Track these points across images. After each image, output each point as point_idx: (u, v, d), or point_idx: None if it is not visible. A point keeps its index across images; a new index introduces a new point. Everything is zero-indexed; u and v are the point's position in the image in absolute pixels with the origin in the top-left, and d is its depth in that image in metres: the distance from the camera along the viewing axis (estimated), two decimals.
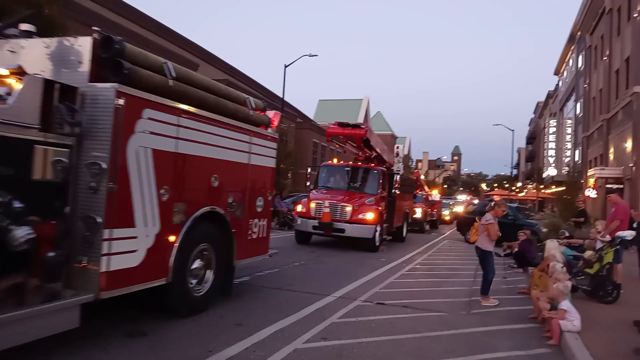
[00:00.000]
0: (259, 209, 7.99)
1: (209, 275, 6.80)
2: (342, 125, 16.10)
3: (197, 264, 6.57)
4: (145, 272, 5.44)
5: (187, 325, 6.06)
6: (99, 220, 4.82)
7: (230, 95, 7.28)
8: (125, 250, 5.15)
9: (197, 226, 6.31)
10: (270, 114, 8.41)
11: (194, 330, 5.92)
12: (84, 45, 5.10)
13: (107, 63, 5.12)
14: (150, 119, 5.43)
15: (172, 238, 5.87)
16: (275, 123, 8.50)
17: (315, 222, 14.98)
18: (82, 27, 22.79)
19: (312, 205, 15.24)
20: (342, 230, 14.79)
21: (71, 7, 18.90)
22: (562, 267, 7.85)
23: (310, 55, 33.25)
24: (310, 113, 69.75)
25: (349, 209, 14.87)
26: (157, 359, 5.01)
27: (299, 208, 15.83)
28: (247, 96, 7.81)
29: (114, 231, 4.97)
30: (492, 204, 9.10)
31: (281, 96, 35.56)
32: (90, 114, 4.95)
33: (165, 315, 6.31)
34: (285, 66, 32.64)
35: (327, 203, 14.94)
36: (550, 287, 7.25)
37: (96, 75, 5.09)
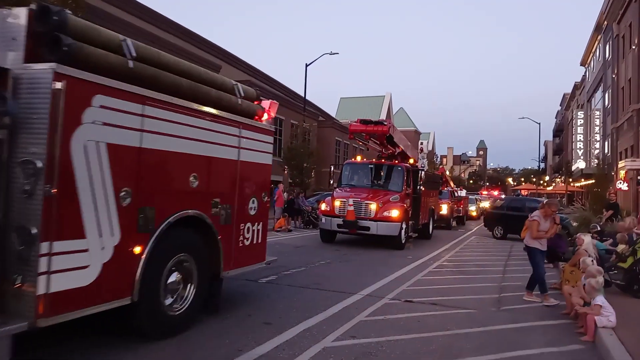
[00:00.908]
0: (252, 212, 7.04)
1: (190, 290, 5.89)
2: (364, 122, 16.02)
3: (173, 278, 5.64)
4: (100, 291, 4.57)
5: (215, 325, 6.11)
6: (34, 231, 4.01)
7: (213, 81, 6.39)
8: (73, 266, 4.29)
9: (172, 234, 5.46)
10: (266, 103, 7.53)
11: (222, 329, 5.96)
12: (18, 17, 4.29)
13: (44, 39, 4.28)
14: (103, 107, 4.51)
15: (137, 249, 4.98)
16: (272, 114, 7.57)
17: (339, 221, 14.94)
18: None
19: (336, 203, 15.20)
20: (367, 228, 14.69)
21: (92, 13, 19.23)
22: (593, 261, 7.68)
23: (332, 54, 33.26)
24: (332, 111, 69.68)
25: (373, 206, 14.74)
26: (187, 358, 5.06)
27: (323, 207, 15.82)
28: (236, 82, 6.90)
29: (54, 244, 4.10)
30: (544, 201, 8.93)
31: (303, 95, 35.60)
32: (26, 101, 4.13)
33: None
34: (307, 65, 32.70)
35: (351, 201, 14.89)
36: (581, 282, 7.10)
37: (34, 54, 4.26)
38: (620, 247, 9.72)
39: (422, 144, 24.11)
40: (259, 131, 7.14)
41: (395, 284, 9.39)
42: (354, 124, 16.43)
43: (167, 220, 5.35)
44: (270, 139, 7.54)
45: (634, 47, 30.08)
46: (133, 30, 25.40)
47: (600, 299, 6.50)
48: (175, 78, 5.62)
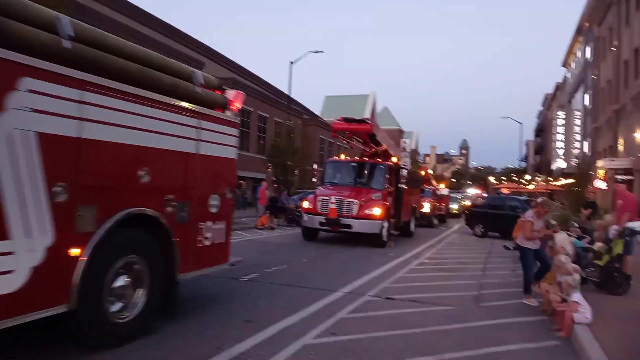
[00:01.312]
0: (214, 210, 6.56)
1: (141, 294, 5.41)
2: (347, 120, 16.07)
3: (120, 282, 5.16)
4: (30, 298, 4.13)
5: (195, 324, 6.09)
6: None
7: (168, 67, 5.90)
8: None
9: (119, 234, 4.99)
10: (231, 94, 7.08)
11: (202, 328, 5.94)
12: None
13: None
14: (33, 91, 4.07)
15: (75, 251, 4.51)
16: (238, 105, 7.11)
17: (322, 219, 14.99)
18: None
19: (319, 201, 15.26)
20: (349, 226, 14.76)
21: (78, 10, 18.98)
22: (566, 258, 7.79)
23: (316, 52, 33.32)
24: (316, 109, 69.72)
25: (355, 204, 14.82)
26: (166, 357, 5.04)
27: (306, 204, 15.85)
28: (195, 70, 6.43)
29: None
30: (538, 200, 8.88)
31: (287, 93, 35.54)
32: None
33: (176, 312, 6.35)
34: (291, 63, 32.69)
35: (333, 199, 14.94)
36: (555, 277, 7.23)
37: None
38: (598, 245, 9.90)
39: (404, 142, 24.20)
40: (221, 123, 6.68)
41: (376, 281, 9.45)
42: (337, 122, 16.50)
43: (112, 219, 4.89)
44: (235, 131, 7.08)
45: (614, 48, 30.60)
46: (113, 25, 25.13)
47: (577, 296, 6.61)
48: (123, 62, 5.13)
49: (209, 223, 6.49)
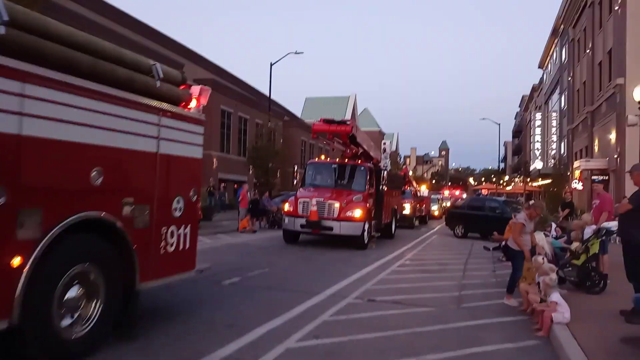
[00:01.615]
0: (178, 213, 6.12)
1: (95, 307, 4.97)
2: (327, 122, 15.97)
3: (72, 293, 4.73)
4: None
5: (178, 328, 6.03)
6: None
7: (123, 58, 5.45)
8: None
9: (69, 241, 4.58)
10: (195, 89, 6.67)
11: (184, 332, 5.88)
12: None
13: None
14: None
15: (16, 261, 4.09)
16: (203, 101, 6.71)
17: (302, 221, 14.90)
18: None
19: (300, 203, 15.16)
20: (330, 228, 14.74)
21: (51, 8, 18.66)
22: (543, 258, 7.91)
23: (296, 53, 33.24)
24: (297, 111, 69.74)
25: (336, 206, 14.78)
26: None
27: (287, 207, 15.76)
28: (154, 62, 5.98)
29: None
30: (530, 203, 8.89)
31: (268, 95, 35.46)
32: None
33: (153, 315, 6.28)
34: (271, 64, 32.58)
35: (314, 201, 14.86)
36: (534, 277, 7.34)
37: None
38: (575, 245, 10.07)
39: (384, 143, 24.25)
40: (185, 120, 6.28)
41: (358, 283, 9.47)
42: (317, 123, 16.41)
43: (61, 225, 4.44)
44: (201, 129, 6.66)
45: (588, 50, 31.22)
46: (87, 24, 24.77)
47: (555, 296, 6.72)
48: (71, 52, 4.73)
49: (173, 228, 6.07)
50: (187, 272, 6.50)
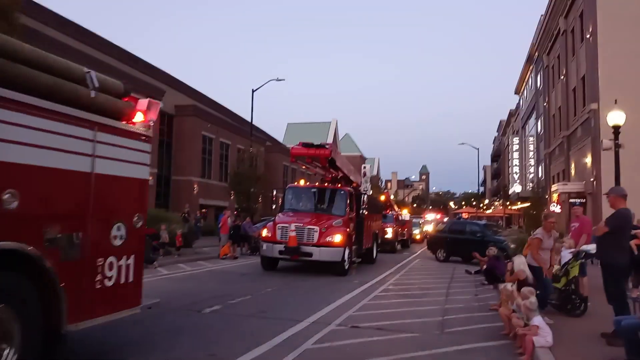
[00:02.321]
0: (118, 242, 5.44)
1: (8, 354, 4.26)
2: (306, 145, 15.76)
3: None
4: None
5: (158, 357, 5.90)
6: None
7: (46, 63, 4.81)
8: None
9: None
10: (143, 103, 6.00)
11: None
12: None
13: None
14: None
15: None
16: (151, 116, 6.04)
17: (281, 247, 14.47)
18: None
19: (278, 229, 14.75)
20: (310, 254, 14.34)
21: (33, 36, 18.59)
22: (512, 286, 7.93)
23: (278, 80, 33.52)
24: (279, 137, 69.93)
25: (316, 231, 14.41)
26: None
27: (264, 232, 15.35)
28: (88, 70, 5.34)
29: None
30: (543, 214, 8.68)
31: (250, 120, 35.56)
32: None
33: (136, 346, 6.14)
34: (253, 91, 32.75)
35: (293, 226, 14.48)
36: (509, 302, 7.39)
37: None
38: (555, 268, 10.17)
39: (364, 167, 24.31)
40: (128, 136, 5.62)
41: (341, 309, 9.40)
42: (296, 147, 16.13)
43: None
44: (147, 146, 6.00)
45: (562, 77, 32.09)
46: (74, 53, 24.71)
47: (537, 320, 6.74)
48: None
49: (112, 259, 5.36)
50: (131, 309, 5.74)
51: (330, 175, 17.42)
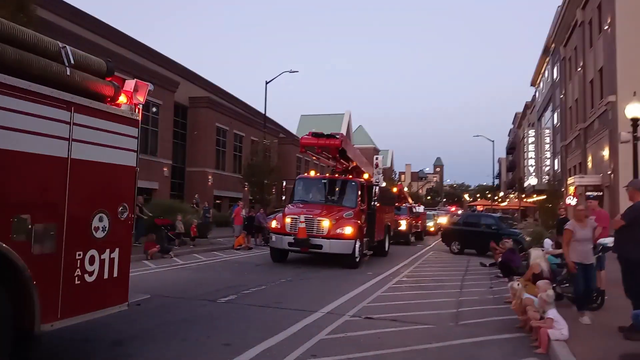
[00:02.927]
0: (100, 234, 5.07)
1: None
2: (316, 135, 15.39)
3: None
4: None
5: (173, 347, 5.96)
6: None
7: (13, 36, 4.40)
8: None
9: None
10: (129, 83, 5.61)
11: (180, 351, 5.82)
12: None
13: None
14: None
15: None
16: (139, 98, 5.63)
17: (290, 239, 14.21)
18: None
19: (287, 220, 14.51)
20: (320, 247, 14.06)
21: (48, 28, 18.76)
22: (518, 284, 7.87)
23: (291, 72, 33.45)
24: (292, 128, 69.99)
25: (326, 223, 14.11)
26: None
27: (274, 224, 15.09)
28: (64, 45, 4.93)
29: None
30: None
31: (263, 112, 35.60)
32: None
33: (152, 335, 6.21)
34: (267, 83, 32.78)
35: (302, 218, 14.21)
36: (521, 296, 7.35)
37: None
38: None
39: (377, 158, 24.09)
40: (111, 119, 5.17)
41: (355, 300, 9.42)
42: (305, 137, 15.69)
43: None
44: (133, 130, 5.52)
45: (579, 69, 31.61)
46: (90, 46, 24.90)
47: (552, 313, 6.69)
48: None
49: (93, 252, 4.97)
50: (117, 306, 5.35)
51: (341, 167, 17.09)
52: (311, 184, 16.61)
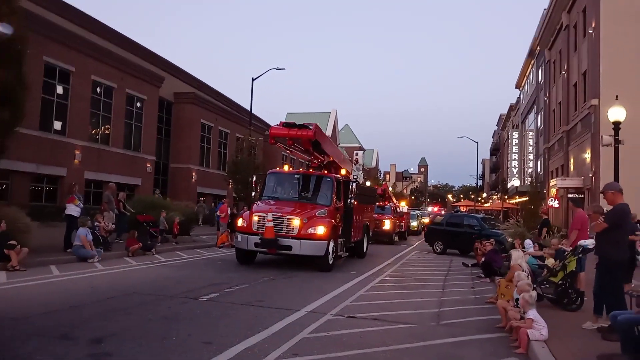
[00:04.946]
0: None
1: None
2: (287, 125, 14.07)
3: None
4: None
5: (154, 345, 5.89)
6: None
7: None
8: None
9: None
10: None
11: (160, 350, 5.75)
12: None
13: None
14: None
15: None
16: None
17: (257, 239, 12.94)
18: (44, 39, 22.29)
19: (254, 218, 13.21)
20: (289, 248, 12.84)
21: (32, 20, 18.44)
22: (527, 276, 7.98)
23: (278, 69, 33.34)
24: None
25: (296, 222, 12.87)
26: None
27: (240, 222, 13.73)
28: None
29: None
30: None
31: (249, 109, 35.44)
32: None
33: (131, 333, 6.14)
34: (253, 79, 32.61)
35: (270, 216, 12.91)
36: (513, 295, 7.38)
37: None
38: (550, 262, 10.20)
39: (357, 154, 23.86)
40: None
41: (338, 299, 9.41)
42: (276, 126, 14.35)
43: None
44: None
45: (563, 72, 31.99)
46: (75, 39, 24.57)
47: (532, 313, 6.76)
48: None
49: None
50: None
51: (317, 161, 15.91)
52: (283, 179, 15.30)
